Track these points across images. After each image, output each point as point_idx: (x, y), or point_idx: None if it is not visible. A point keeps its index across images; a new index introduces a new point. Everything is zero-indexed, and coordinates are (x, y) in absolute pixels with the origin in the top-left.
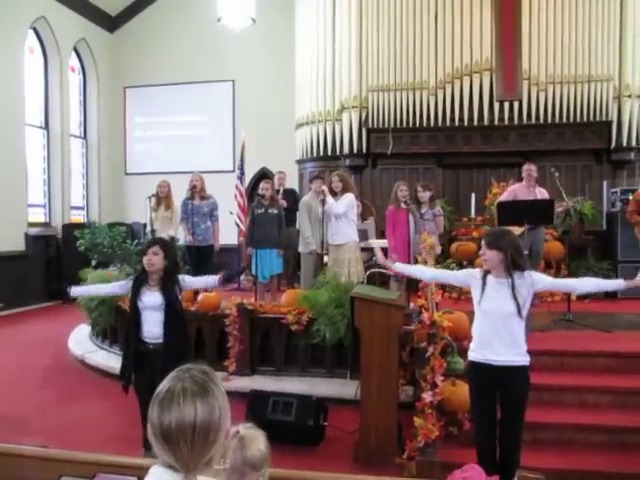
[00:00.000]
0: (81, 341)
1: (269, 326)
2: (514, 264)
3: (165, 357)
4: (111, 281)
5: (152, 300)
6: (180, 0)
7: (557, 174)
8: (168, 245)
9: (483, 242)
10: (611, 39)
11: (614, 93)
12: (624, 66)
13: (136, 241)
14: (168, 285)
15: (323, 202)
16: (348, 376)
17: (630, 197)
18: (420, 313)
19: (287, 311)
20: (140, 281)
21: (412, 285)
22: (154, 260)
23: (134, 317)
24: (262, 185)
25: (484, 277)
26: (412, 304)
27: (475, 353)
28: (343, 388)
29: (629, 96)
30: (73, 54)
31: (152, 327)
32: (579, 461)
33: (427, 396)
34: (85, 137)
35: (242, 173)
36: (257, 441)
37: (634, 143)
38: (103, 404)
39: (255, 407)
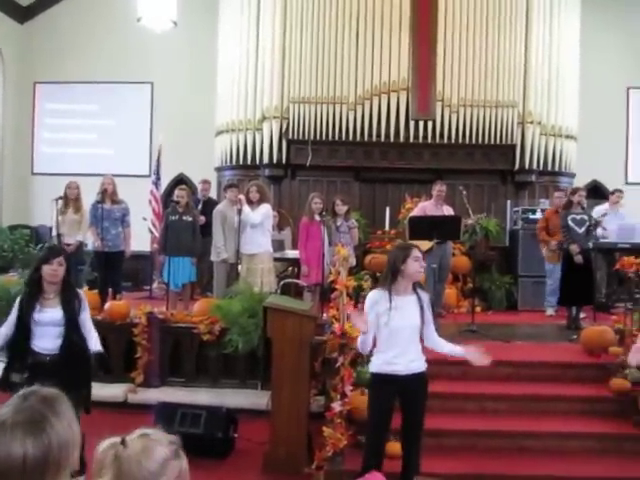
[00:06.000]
0: None
1: (180, 336)
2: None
3: (63, 373)
4: (10, 288)
5: (50, 316)
6: None
7: (465, 192)
8: (65, 254)
9: (421, 255)
10: (517, 69)
11: (518, 119)
12: (527, 94)
13: (40, 245)
14: (70, 299)
15: (239, 211)
16: (259, 387)
17: (532, 216)
18: (332, 324)
19: (199, 321)
20: (34, 294)
21: (325, 296)
22: (60, 271)
23: (23, 334)
24: (177, 192)
25: (390, 296)
26: (325, 315)
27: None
28: (255, 399)
29: (531, 122)
30: None
31: (50, 341)
32: (480, 465)
33: (336, 406)
34: None
35: (158, 178)
36: (145, 453)
37: (535, 166)
38: None
39: (162, 420)
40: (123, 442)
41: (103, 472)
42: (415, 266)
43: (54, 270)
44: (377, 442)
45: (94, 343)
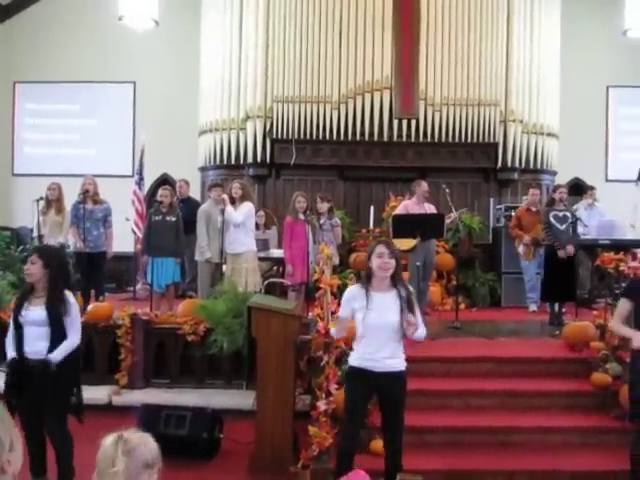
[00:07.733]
0: None
1: (164, 337)
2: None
3: (51, 376)
4: None
5: (34, 315)
6: None
7: (448, 190)
8: (49, 253)
9: (388, 251)
10: (499, 68)
11: (500, 117)
12: (509, 93)
13: (22, 247)
14: (53, 301)
15: (223, 211)
16: (244, 387)
17: (513, 213)
18: (316, 322)
19: (183, 321)
20: (24, 293)
21: (310, 295)
22: (31, 270)
23: (14, 332)
24: (160, 192)
25: (366, 293)
26: (310, 313)
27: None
28: (240, 399)
29: (513, 121)
30: None
31: (34, 342)
32: (464, 461)
33: (322, 404)
34: None
35: (141, 178)
36: (145, 440)
37: (517, 164)
38: None
39: (146, 421)
40: (122, 437)
41: (116, 462)
42: (377, 262)
43: (27, 269)
44: (350, 426)
45: (57, 350)
